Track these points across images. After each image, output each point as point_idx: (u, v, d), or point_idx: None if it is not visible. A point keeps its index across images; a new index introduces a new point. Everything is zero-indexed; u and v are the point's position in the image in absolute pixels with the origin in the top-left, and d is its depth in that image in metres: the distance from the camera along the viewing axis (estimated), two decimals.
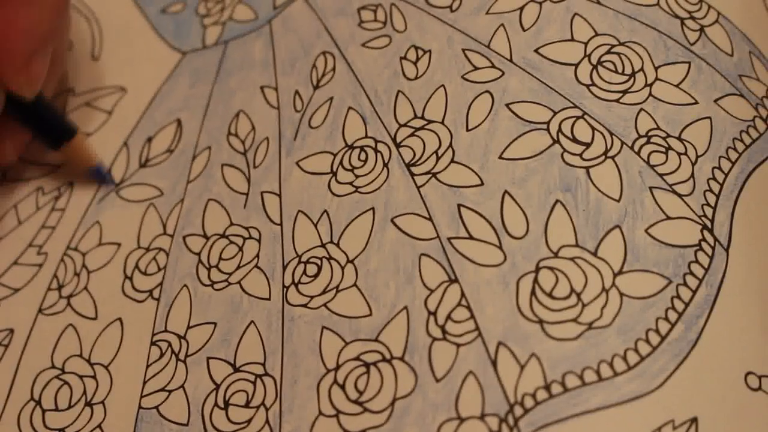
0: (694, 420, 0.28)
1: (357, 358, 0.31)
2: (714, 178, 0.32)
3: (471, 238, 0.31)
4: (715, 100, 0.34)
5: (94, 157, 0.39)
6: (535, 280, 0.30)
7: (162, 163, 0.39)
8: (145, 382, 0.33)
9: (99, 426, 0.33)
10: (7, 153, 0.39)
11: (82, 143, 0.39)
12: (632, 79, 0.34)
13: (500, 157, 0.33)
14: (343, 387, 0.30)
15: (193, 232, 0.36)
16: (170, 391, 0.33)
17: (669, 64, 0.34)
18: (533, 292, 0.30)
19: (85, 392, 0.34)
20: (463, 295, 0.30)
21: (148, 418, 0.32)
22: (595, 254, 0.30)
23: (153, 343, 0.34)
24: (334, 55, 0.39)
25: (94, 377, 0.34)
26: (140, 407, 0.33)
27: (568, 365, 0.28)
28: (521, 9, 0.36)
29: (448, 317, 0.30)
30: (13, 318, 0.37)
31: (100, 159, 0.39)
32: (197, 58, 0.42)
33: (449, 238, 0.32)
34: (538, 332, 0.29)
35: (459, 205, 0.32)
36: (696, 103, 0.33)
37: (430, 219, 0.32)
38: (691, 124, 0.33)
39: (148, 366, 0.34)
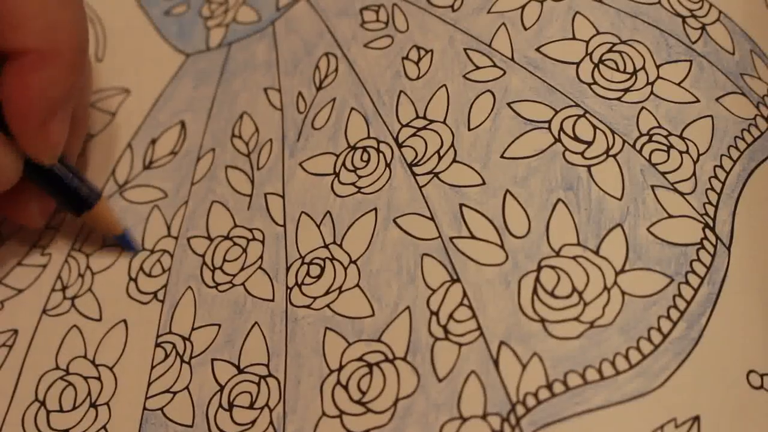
0: (697, 418, 0.28)
1: (360, 359, 0.31)
2: (716, 177, 0.32)
3: (473, 237, 0.31)
4: (717, 99, 0.33)
5: (118, 225, 0.37)
6: (537, 279, 0.30)
7: (166, 164, 0.39)
8: (149, 384, 0.34)
9: (104, 427, 0.33)
10: (35, 217, 0.37)
11: (105, 210, 0.37)
12: (634, 77, 0.34)
13: (502, 156, 0.33)
14: (346, 387, 0.30)
15: (197, 234, 0.36)
16: (175, 393, 0.33)
17: (670, 62, 0.34)
18: (535, 291, 0.30)
19: (89, 393, 0.34)
20: (465, 294, 0.30)
21: (153, 420, 0.33)
22: (596, 253, 0.30)
23: (157, 345, 0.34)
24: (336, 56, 0.39)
25: (98, 378, 0.34)
26: (145, 408, 0.33)
27: (570, 364, 0.28)
28: (522, 8, 0.36)
29: (450, 317, 0.30)
30: (17, 319, 0.37)
31: (125, 225, 0.37)
32: (201, 60, 0.42)
33: (451, 238, 0.32)
34: (540, 331, 0.29)
35: (461, 205, 0.32)
36: (697, 101, 0.33)
37: (432, 219, 0.32)
38: (692, 122, 0.33)
39: (152, 367, 0.34)
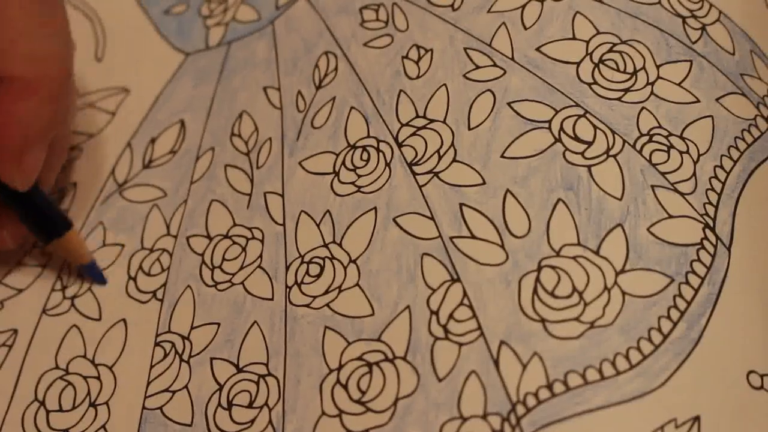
0: (697, 419, 0.28)
1: (360, 358, 0.31)
2: (716, 177, 0.32)
3: (473, 237, 0.31)
4: (717, 99, 0.33)
5: (86, 255, 0.37)
6: (537, 279, 0.30)
7: (165, 164, 0.39)
8: (149, 383, 0.34)
9: (103, 426, 0.33)
10: (6, 240, 0.37)
11: (74, 240, 0.37)
12: (634, 77, 0.34)
13: (502, 156, 0.33)
14: (345, 387, 0.30)
15: (196, 233, 0.36)
16: (174, 392, 0.33)
17: (671, 62, 0.34)
18: (535, 291, 0.30)
19: (89, 393, 0.34)
20: (465, 294, 0.30)
21: (152, 419, 0.33)
22: (597, 253, 0.30)
23: (157, 344, 0.34)
24: (336, 55, 0.39)
25: (98, 378, 0.34)
26: (144, 408, 0.33)
27: (571, 364, 0.28)
28: (523, 7, 0.36)
29: (450, 316, 0.30)
30: (17, 318, 0.37)
31: (91, 257, 0.37)
32: (200, 59, 0.42)
33: (451, 238, 0.32)
34: (540, 331, 0.29)
35: (461, 204, 0.32)
36: (698, 101, 0.33)
37: (432, 218, 0.32)
38: (692, 122, 0.33)
39: (152, 367, 0.34)
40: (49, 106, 0.34)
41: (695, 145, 0.32)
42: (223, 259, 0.35)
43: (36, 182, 0.35)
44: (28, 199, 0.35)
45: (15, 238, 0.37)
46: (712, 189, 0.32)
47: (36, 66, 0.34)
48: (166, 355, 0.34)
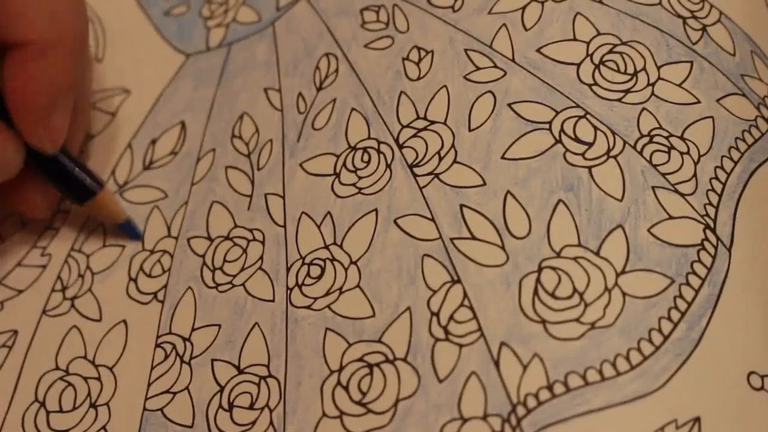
0: (697, 420, 0.28)
1: (360, 359, 0.31)
2: (716, 178, 0.32)
3: (473, 238, 0.31)
4: (718, 100, 0.33)
5: (122, 213, 0.37)
6: (538, 280, 0.30)
7: (166, 165, 0.39)
8: (149, 384, 0.34)
9: (103, 428, 0.33)
10: (40, 207, 0.38)
11: (108, 199, 0.37)
12: (634, 78, 0.34)
13: (502, 157, 0.33)
14: (346, 388, 0.30)
15: (197, 235, 0.36)
16: (175, 393, 0.33)
17: (671, 63, 0.34)
18: (536, 292, 0.30)
19: (89, 394, 0.34)
20: (465, 295, 0.30)
21: (153, 420, 0.33)
22: (597, 254, 0.30)
23: (157, 345, 0.34)
24: (337, 57, 0.39)
25: (98, 379, 0.34)
26: (145, 409, 0.33)
27: (571, 365, 0.28)
28: (523, 9, 0.36)
29: (451, 318, 0.30)
30: (17, 319, 0.37)
31: (127, 215, 0.38)
32: (201, 60, 0.42)
33: (452, 239, 0.32)
34: (540, 332, 0.29)
35: (461, 206, 0.32)
36: (698, 102, 0.33)
37: (432, 220, 0.32)
38: (693, 123, 0.33)
39: (152, 368, 0.34)
40: (68, 65, 0.35)
41: (696, 146, 0.32)
42: (224, 260, 0.35)
43: (63, 145, 0.36)
44: (59, 162, 0.36)
45: (48, 205, 0.38)
46: (713, 190, 0.32)
47: (52, 27, 0.34)
48: (166, 357, 0.34)
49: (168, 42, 0.43)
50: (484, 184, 0.32)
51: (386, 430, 0.29)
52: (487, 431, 0.28)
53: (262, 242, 0.35)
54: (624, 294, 0.29)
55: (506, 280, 0.30)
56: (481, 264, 0.31)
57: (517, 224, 0.31)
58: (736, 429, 0.28)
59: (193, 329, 0.34)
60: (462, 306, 0.30)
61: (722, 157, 0.32)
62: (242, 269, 0.35)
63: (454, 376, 0.29)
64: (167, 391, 0.33)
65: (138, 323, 0.35)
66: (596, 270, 0.30)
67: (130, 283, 0.36)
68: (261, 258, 0.35)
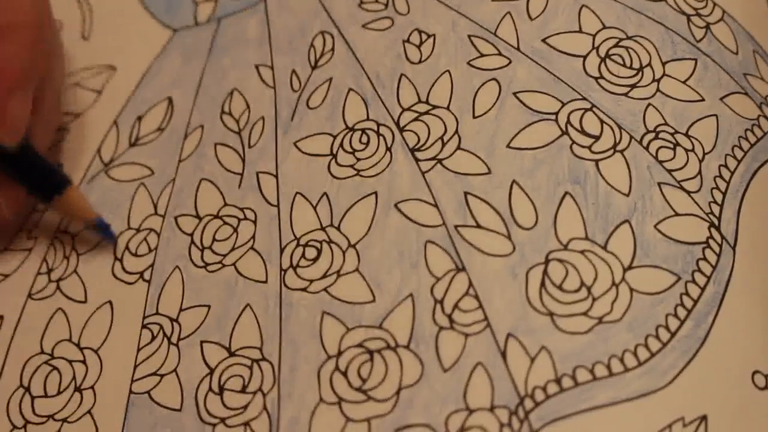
0: (704, 418, 0.27)
1: (360, 345, 0.30)
2: (721, 176, 0.32)
3: (478, 226, 0.31)
4: (721, 98, 0.33)
5: (90, 210, 0.36)
6: (545, 272, 0.30)
7: (152, 142, 0.38)
8: (136, 366, 0.32)
9: (89, 412, 0.32)
10: (2, 207, 0.36)
11: (75, 197, 0.36)
12: (640, 73, 0.34)
13: (508, 146, 0.32)
14: (345, 374, 0.30)
15: (185, 213, 0.35)
16: (162, 376, 0.32)
17: (676, 60, 0.34)
18: (543, 284, 0.29)
19: (74, 377, 0.33)
20: (470, 284, 0.30)
21: (140, 403, 0.31)
22: (604, 248, 0.30)
23: (144, 326, 0.33)
24: (333, 35, 0.38)
25: (83, 362, 0.33)
26: (131, 392, 0.32)
27: (579, 359, 0.28)
28: None
29: (456, 306, 0.30)
30: (2, 305, 0.35)
31: (96, 213, 0.36)
32: (189, 36, 0.41)
33: (456, 226, 0.31)
34: (548, 325, 0.29)
35: (466, 193, 0.32)
36: (702, 100, 0.33)
37: (435, 206, 0.32)
38: (697, 121, 0.33)
39: (139, 350, 0.33)
40: (25, 52, 0.34)
41: (700, 143, 0.32)
42: (214, 239, 0.34)
43: (29, 140, 0.35)
44: (24, 159, 0.35)
45: (12, 206, 0.36)
46: (717, 188, 0.31)
47: (8, 12, 0.33)
48: (153, 338, 0.33)
49: (155, 17, 0.42)
50: (489, 172, 0.32)
51: (388, 418, 0.28)
52: (495, 423, 0.27)
53: (254, 221, 0.34)
54: (631, 289, 0.29)
55: (513, 271, 0.30)
56: (486, 253, 0.30)
57: (524, 215, 0.31)
58: (739, 428, 0.28)
59: (181, 310, 0.33)
60: (467, 295, 0.30)
61: (726, 155, 0.32)
62: (233, 249, 0.34)
63: (460, 366, 0.28)
64: (154, 374, 0.32)
65: (124, 304, 0.34)
66: (603, 264, 0.30)
67: (115, 263, 0.35)
68: (253, 237, 0.34)
